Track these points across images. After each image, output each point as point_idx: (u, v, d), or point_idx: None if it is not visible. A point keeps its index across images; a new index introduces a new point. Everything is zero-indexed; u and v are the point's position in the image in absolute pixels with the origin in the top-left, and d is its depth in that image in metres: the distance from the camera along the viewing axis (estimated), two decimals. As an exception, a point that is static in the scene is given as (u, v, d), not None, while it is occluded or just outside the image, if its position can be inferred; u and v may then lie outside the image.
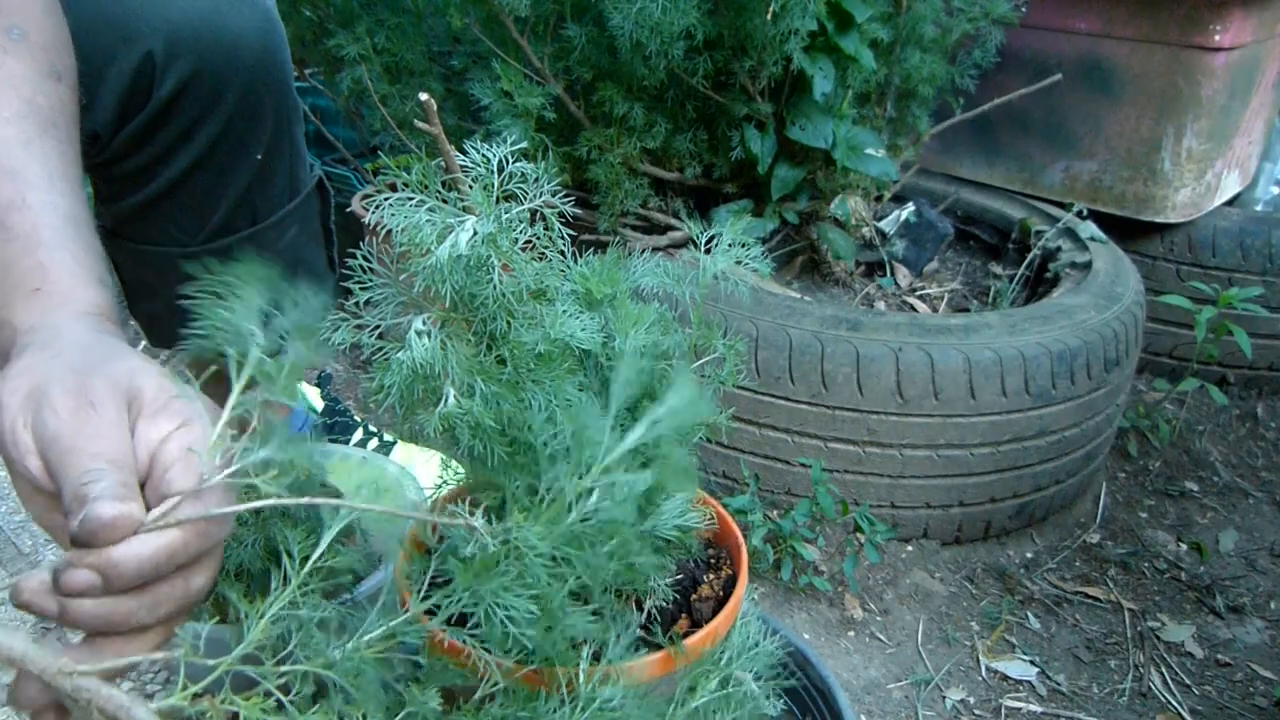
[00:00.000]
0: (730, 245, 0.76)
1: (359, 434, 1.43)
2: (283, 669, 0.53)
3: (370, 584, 1.05)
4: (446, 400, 0.66)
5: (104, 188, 1.07)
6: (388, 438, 1.45)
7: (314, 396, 1.46)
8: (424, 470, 1.36)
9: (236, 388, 0.51)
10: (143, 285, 1.17)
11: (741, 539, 0.89)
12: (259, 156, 1.06)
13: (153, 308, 1.20)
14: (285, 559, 0.55)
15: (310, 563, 0.54)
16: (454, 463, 0.79)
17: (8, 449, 0.52)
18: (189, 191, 1.05)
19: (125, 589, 0.49)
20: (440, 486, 0.86)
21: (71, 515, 0.48)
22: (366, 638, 0.55)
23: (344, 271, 0.72)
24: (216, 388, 0.54)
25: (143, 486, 0.52)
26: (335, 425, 1.42)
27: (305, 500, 0.52)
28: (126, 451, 0.51)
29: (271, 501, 0.51)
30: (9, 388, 0.53)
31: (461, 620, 0.64)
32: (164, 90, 0.95)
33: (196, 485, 0.50)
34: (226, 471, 0.51)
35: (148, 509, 0.50)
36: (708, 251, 0.76)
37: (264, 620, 0.52)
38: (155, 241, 1.09)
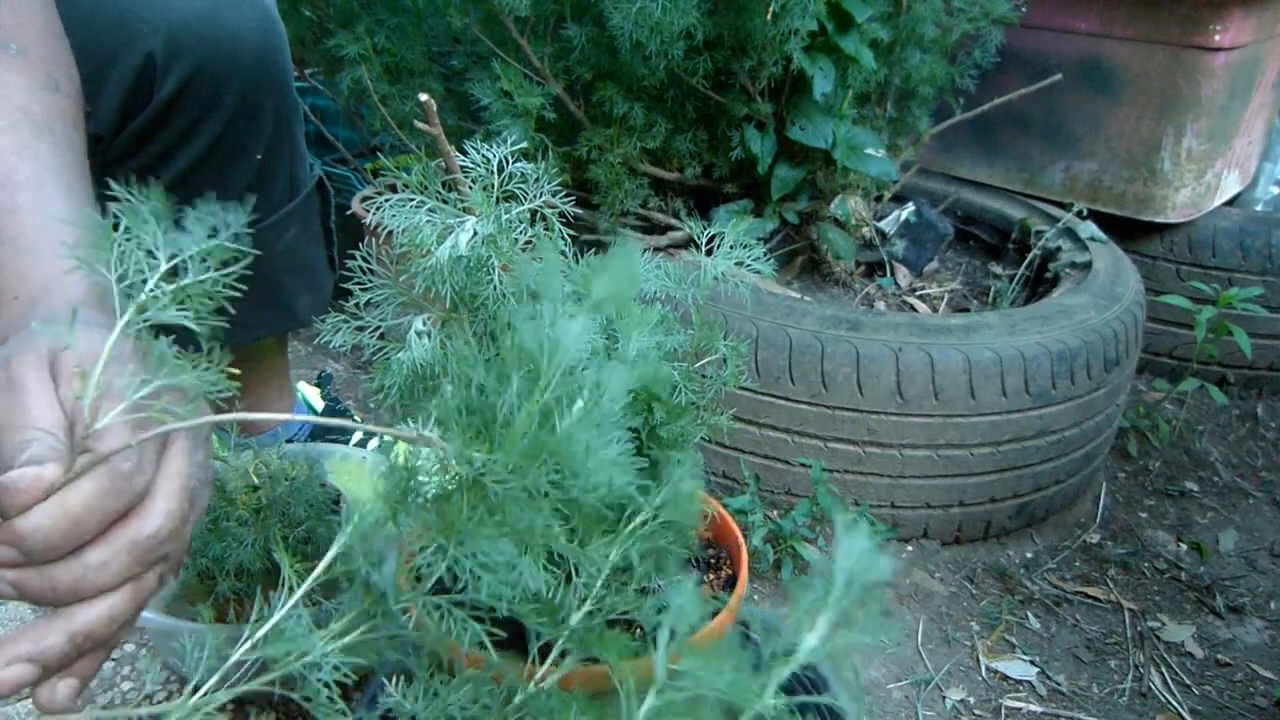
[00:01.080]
0: (732, 246, 0.76)
1: (359, 434, 1.43)
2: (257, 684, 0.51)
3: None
4: (443, 395, 0.66)
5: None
6: (387, 438, 1.45)
7: (314, 396, 1.46)
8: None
9: (120, 321, 0.47)
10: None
11: (741, 539, 0.89)
12: (258, 157, 1.06)
13: None
14: (283, 564, 0.54)
15: (310, 580, 0.52)
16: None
17: None
18: (188, 192, 1.04)
19: (51, 557, 0.48)
20: (440, 487, 0.86)
21: None
22: (337, 625, 0.54)
23: (344, 272, 0.72)
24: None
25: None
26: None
27: (215, 418, 0.48)
28: (55, 417, 0.50)
29: (175, 425, 0.48)
30: None
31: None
32: (165, 91, 0.95)
33: (83, 432, 0.48)
34: (119, 409, 0.48)
35: None
36: (709, 253, 0.76)
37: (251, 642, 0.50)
38: None
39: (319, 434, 1.41)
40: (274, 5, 1.04)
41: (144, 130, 0.98)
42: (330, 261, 1.25)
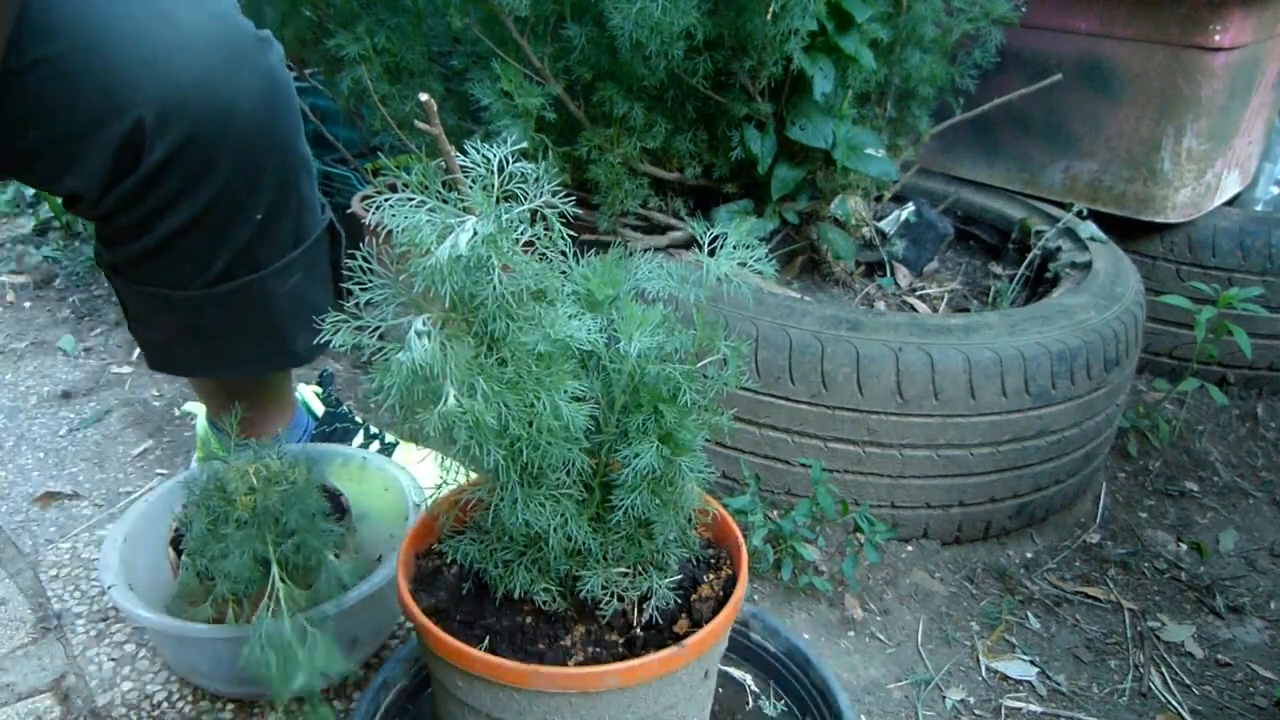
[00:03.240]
0: (735, 247, 0.76)
1: (360, 436, 1.43)
2: None
3: (370, 584, 1.05)
4: (446, 399, 0.66)
5: (103, 233, 1.07)
6: (389, 439, 1.45)
7: (312, 398, 1.46)
8: (425, 470, 1.36)
9: None
10: (141, 316, 1.17)
11: (741, 539, 0.89)
12: (259, 216, 1.05)
13: (150, 335, 1.20)
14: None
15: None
16: (452, 462, 0.79)
17: None
18: (185, 246, 1.04)
19: None
20: (440, 487, 0.86)
21: None
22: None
23: (344, 272, 0.72)
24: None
25: None
26: (336, 429, 1.42)
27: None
28: None
29: None
30: None
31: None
32: (154, 156, 0.94)
33: None
34: None
35: None
36: (711, 253, 0.76)
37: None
38: (154, 283, 1.09)
39: (322, 435, 1.41)
40: (279, 64, 1.01)
41: (133, 192, 0.97)
42: (337, 298, 1.23)
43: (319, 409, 1.44)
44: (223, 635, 1.02)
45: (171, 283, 1.08)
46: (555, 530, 0.75)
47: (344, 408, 1.46)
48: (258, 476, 1.03)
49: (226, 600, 1.01)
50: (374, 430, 1.44)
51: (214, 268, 1.06)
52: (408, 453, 1.43)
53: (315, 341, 0.71)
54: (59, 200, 2.51)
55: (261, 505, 1.00)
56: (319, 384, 1.47)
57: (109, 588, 1.06)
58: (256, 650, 0.85)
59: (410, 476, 1.25)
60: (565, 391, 0.69)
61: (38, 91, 0.89)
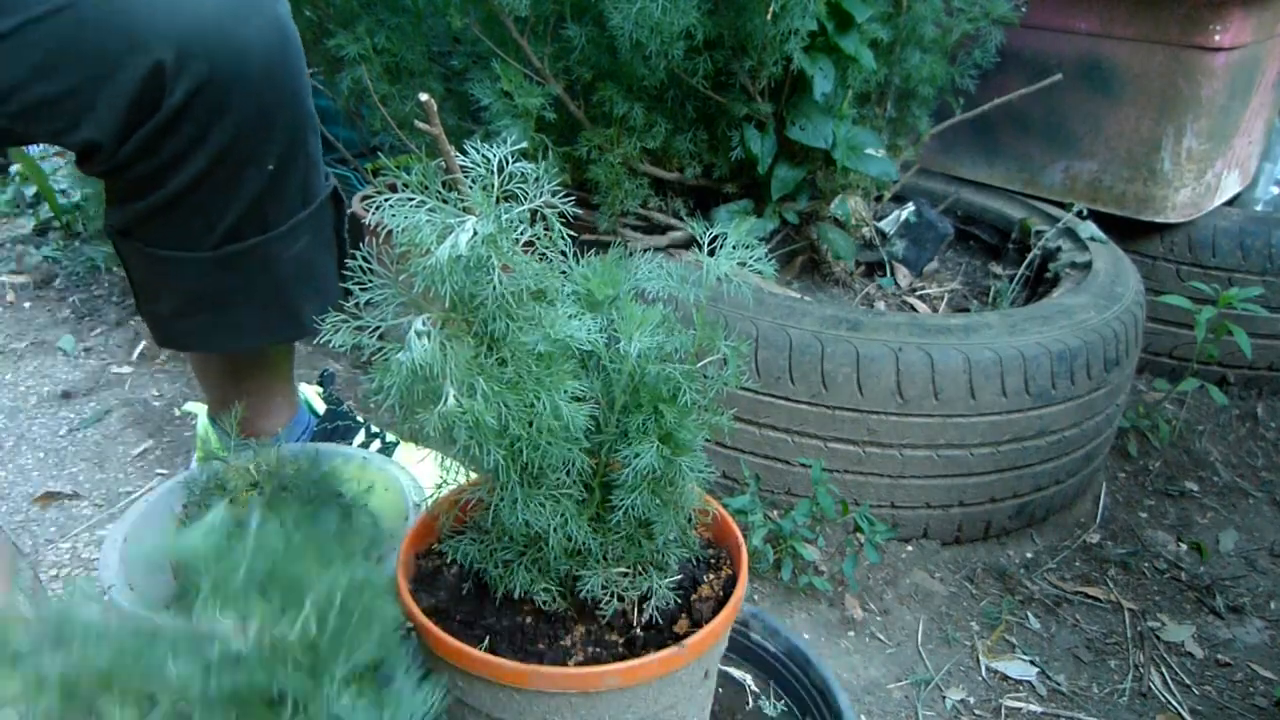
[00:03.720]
0: (735, 247, 0.76)
1: (361, 435, 1.43)
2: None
3: (370, 584, 1.05)
4: (446, 399, 0.66)
5: (115, 190, 1.07)
6: (390, 438, 1.45)
7: (314, 396, 1.46)
8: (425, 470, 1.36)
9: None
10: (149, 286, 1.18)
11: (741, 539, 0.89)
12: (270, 167, 1.05)
13: (157, 309, 1.20)
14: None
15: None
16: (452, 462, 0.80)
17: None
18: (197, 199, 1.04)
19: None
20: (440, 487, 0.86)
21: None
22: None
23: (344, 272, 0.72)
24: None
25: None
26: (338, 427, 1.42)
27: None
28: None
29: None
30: None
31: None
32: (174, 99, 0.94)
33: None
34: None
35: None
36: (711, 253, 0.76)
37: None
38: (163, 245, 1.09)
39: (323, 433, 1.41)
40: (288, 17, 1.02)
41: (151, 138, 0.97)
42: (341, 269, 1.24)
43: (320, 407, 1.44)
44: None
45: (180, 243, 1.08)
46: (555, 530, 0.75)
47: (345, 406, 1.46)
48: (258, 471, 1.03)
49: (226, 600, 1.01)
50: (374, 430, 1.45)
51: (223, 225, 1.07)
52: (408, 453, 1.43)
53: (322, 311, 0.71)
54: (60, 199, 2.51)
55: (270, 488, 1.00)
56: (319, 383, 1.47)
57: (109, 588, 1.06)
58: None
59: (410, 476, 1.25)
60: (565, 391, 0.69)
61: (55, 36, 0.89)
